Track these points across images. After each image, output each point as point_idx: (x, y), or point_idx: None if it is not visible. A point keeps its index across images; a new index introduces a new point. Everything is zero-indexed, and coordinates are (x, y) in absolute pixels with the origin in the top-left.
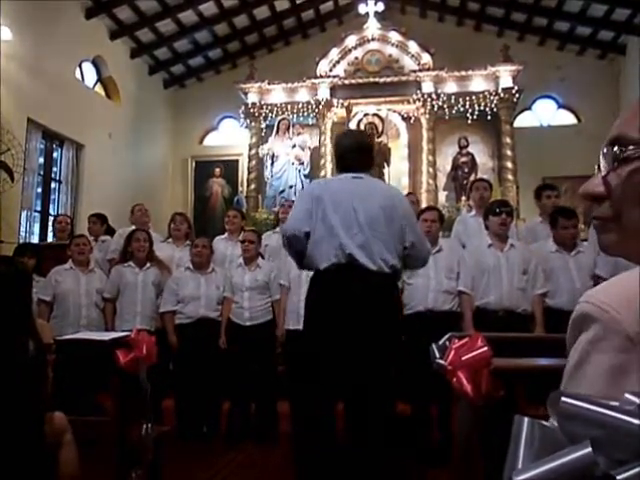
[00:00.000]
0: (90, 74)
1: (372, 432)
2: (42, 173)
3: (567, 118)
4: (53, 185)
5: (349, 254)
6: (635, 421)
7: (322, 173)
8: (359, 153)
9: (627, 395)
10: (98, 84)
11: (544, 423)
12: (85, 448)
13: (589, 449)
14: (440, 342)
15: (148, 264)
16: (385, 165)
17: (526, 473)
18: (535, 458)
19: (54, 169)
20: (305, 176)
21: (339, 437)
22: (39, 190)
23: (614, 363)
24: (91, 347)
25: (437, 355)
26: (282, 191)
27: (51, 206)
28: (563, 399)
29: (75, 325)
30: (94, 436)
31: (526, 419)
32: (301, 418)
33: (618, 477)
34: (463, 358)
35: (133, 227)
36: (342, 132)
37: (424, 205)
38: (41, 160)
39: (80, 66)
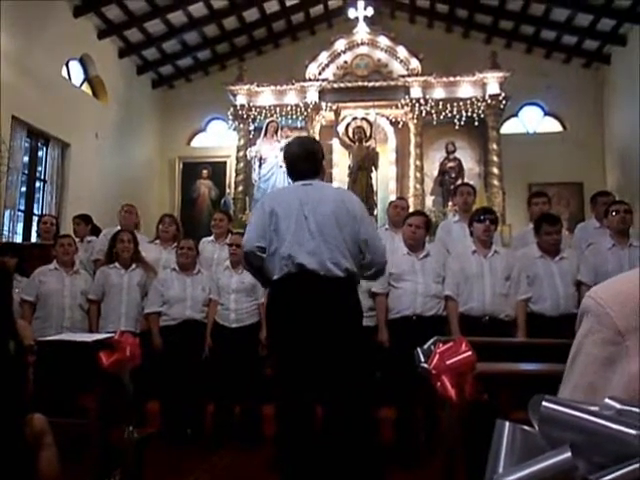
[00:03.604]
0: (77, 73)
1: (345, 436)
2: (26, 172)
3: (553, 125)
4: (38, 184)
5: (298, 263)
6: (614, 426)
7: None
8: (307, 160)
9: (607, 400)
10: (85, 83)
11: (525, 427)
12: (66, 450)
13: (569, 453)
14: (425, 346)
15: (133, 265)
16: (373, 169)
17: (507, 477)
18: (516, 462)
19: (39, 168)
20: None
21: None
22: (23, 189)
23: (603, 355)
24: (73, 348)
25: (422, 359)
26: None
27: (35, 205)
28: (544, 404)
29: (58, 326)
30: (75, 438)
31: (507, 423)
32: (279, 422)
33: None
34: (447, 362)
35: (119, 227)
36: (290, 141)
37: (412, 210)
38: (26, 159)
39: (67, 64)
